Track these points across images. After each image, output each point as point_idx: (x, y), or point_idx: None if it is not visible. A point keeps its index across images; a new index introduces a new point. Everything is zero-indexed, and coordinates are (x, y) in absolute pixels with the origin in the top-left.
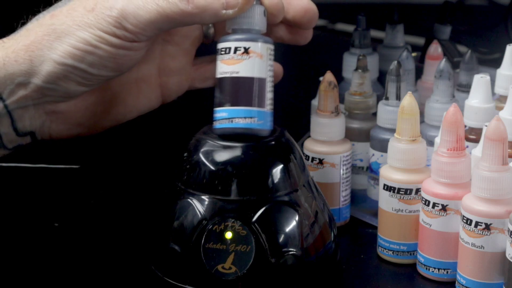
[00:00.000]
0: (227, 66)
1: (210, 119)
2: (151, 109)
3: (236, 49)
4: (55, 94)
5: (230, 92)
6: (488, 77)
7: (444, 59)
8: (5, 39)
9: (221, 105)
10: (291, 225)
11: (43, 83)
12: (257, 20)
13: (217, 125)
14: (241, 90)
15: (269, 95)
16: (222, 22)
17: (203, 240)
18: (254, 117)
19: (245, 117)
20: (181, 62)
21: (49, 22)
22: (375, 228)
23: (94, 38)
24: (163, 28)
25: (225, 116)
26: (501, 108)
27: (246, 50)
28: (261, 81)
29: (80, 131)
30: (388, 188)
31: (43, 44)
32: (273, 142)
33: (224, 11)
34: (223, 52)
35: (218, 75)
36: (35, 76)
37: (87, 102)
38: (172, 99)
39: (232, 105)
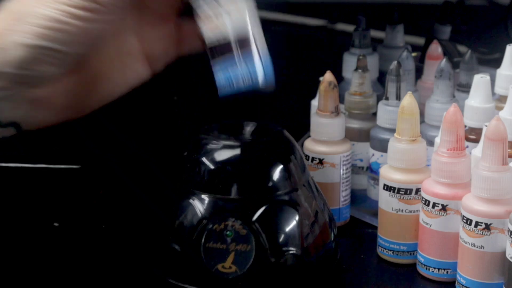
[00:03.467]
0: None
1: (210, 119)
2: (142, 82)
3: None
4: (31, 80)
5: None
6: (488, 77)
7: (444, 59)
8: None
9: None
10: (291, 224)
11: (16, 70)
12: None
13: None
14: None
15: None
16: None
17: (203, 240)
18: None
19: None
20: (162, 29)
21: (16, 7)
22: (375, 228)
23: (62, 14)
24: None
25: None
26: (501, 108)
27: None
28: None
29: (68, 115)
30: (388, 188)
31: (11, 31)
32: (273, 142)
33: None
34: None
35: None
36: (7, 65)
37: (67, 84)
38: (162, 68)
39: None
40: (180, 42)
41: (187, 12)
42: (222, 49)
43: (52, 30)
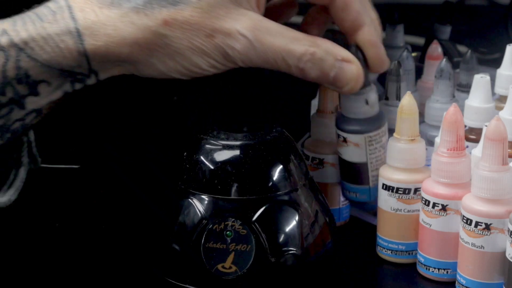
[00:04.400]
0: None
1: (210, 119)
2: None
3: (338, 135)
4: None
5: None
6: (488, 77)
7: (444, 59)
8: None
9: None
10: (291, 224)
11: (135, 73)
12: (361, 109)
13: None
14: (345, 170)
15: (372, 173)
16: None
17: (203, 240)
18: (357, 193)
19: (351, 192)
20: None
21: (163, 32)
22: (375, 228)
23: (207, 65)
24: None
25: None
26: (501, 108)
27: (345, 140)
28: (361, 164)
29: None
30: (387, 187)
31: (154, 55)
32: (273, 142)
33: (332, 74)
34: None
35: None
36: (131, 69)
37: None
38: None
39: (344, 180)
40: None
41: None
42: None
43: (192, 72)
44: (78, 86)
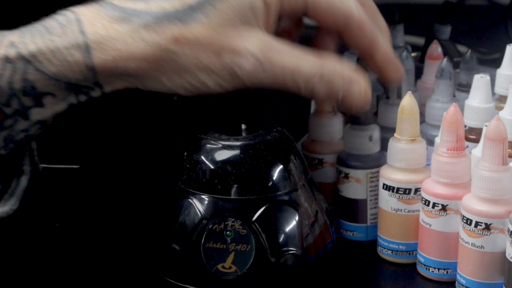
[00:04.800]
0: (338, 185)
1: (210, 119)
2: None
3: (339, 172)
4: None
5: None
6: (488, 77)
7: (445, 59)
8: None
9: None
10: (291, 224)
11: (142, 87)
12: (365, 145)
13: None
14: (343, 208)
15: (371, 211)
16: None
17: (203, 240)
18: (354, 231)
19: (348, 230)
20: None
21: (171, 47)
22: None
23: (213, 84)
24: None
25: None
26: (501, 108)
27: (346, 175)
28: (361, 201)
29: None
30: (387, 187)
31: (161, 71)
32: (273, 142)
33: (340, 95)
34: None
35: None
36: (138, 84)
37: None
38: None
39: (341, 219)
40: None
41: None
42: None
43: (197, 89)
44: (82, 98)
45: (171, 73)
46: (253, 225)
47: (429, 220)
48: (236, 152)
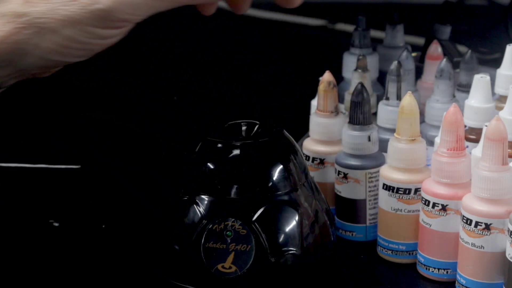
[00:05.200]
0: (336, 186)
1: (210, 119)
2: None
3: (338, 172)
4: (28, 73)
5: (337, 208)
6: (488, 77)
7: (445, 59)
8: None
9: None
10: (291, 224)
11: (23, 67)
12: (363, 146)
13: None
14: (342, 209)
15: (370, 212)
16: None
17: (203, 240)
18: (353, 231)
19: (347, 231)
20: None
21: (23, 11)
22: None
23: (84, 35)
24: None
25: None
26: (501, 108)
27: (345, 176)
28: (360, 201)
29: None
30: (387, 187)
31: (23, 40)
32: (273, 142)
33: None
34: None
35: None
36: (14, 64)
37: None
38: None
39: (340, 219)
40: None
41: None
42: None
43: (71, 49)
44: None
45: (37, 40)
46: (253, 225)
47: (429, 220)
48: (236, 152)
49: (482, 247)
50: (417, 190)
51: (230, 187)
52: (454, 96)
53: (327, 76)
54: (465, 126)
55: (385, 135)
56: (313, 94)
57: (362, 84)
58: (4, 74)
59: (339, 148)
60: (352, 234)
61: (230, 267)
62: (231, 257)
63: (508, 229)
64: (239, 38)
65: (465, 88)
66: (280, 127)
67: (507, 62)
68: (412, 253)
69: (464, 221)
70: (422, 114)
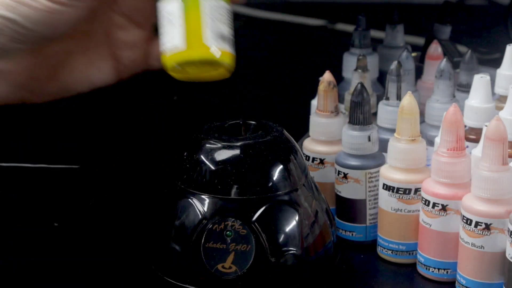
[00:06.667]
0: (336, 186)
1: (210, 119)
2: (107, 84)
3: (338, 172)
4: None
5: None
6: (488, 77)
7: (444, 59)
8: None
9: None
10: (291, 224)
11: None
12: (363, 146)
13: None
14: (342, 209)
15: (370, 211)
16: None
17: (203, 240)
18: (353, 231)
19: (347, 231)
20: (134, 35)
21: None
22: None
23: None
24: None
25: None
26: (501, 108)
27: (345, 176)
28: (360, 201)
29: (24, 95)
30: (387, 187)
31: None
32: (273, 142)
33: None
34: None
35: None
36: None
37: (28, 62)
38: (128, 76)
39: (340, 219)
40: (150, 56)
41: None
42: None
43: (18, 3)
44: None
45: None
46: (253, 225)
47: (429, 220)
48: (236, 152)
49: (482, 247)
50: (417, 190)
51: (230, 187)
52: (454, 96)
53: (327, 76)
54: (465, 126)
55: (385, 135)
56: (313, 94)
57: (362, 84)
58: None
59: (339, 148)
60: (352, 234)
61: (230, 267)
62: (231, 257)
63: (508, 229)
64: (239, 38)
65: (465, 88)
66: (280, 127)
67: (507, 62)
68: (412, 253)
69: (464, 221)
70: (422, 114)
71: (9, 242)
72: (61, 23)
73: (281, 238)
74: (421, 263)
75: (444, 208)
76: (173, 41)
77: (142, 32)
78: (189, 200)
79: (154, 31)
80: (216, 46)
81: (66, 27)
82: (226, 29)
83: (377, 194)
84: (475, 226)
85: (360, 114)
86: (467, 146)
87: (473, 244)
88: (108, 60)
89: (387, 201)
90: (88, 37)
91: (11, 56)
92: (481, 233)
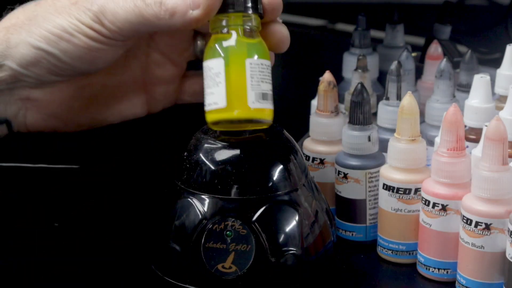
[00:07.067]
0: (336, 186)
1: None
2: (137, 117)
3: (338, 172)
4: (28, 79)
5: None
6: (488, 77)
7: (444, 59)
8: None
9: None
10: (291, 224)
11: (16, 66)
12: (363, 146)
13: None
14: (342, 209)
15: (370, 211)
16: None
17: (203, 240)
18: (353, 231)
19: (347, 231)
20: (169, 72)
21: (33, 8)
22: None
23: (71, 26)
24: (140, 30)
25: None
26: (501, 108)
27: (345, 176)
28: (360, 201)
29: (56, 124)
30: (387, 187)
31: (22, 28)
32: (273, 142)
33: (191, 11)
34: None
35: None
36: (10, 58)
37: (64, 93)
38: (159, 110)
39: (340, 219)
40: (183, 91)
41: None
42: None
43: (58, 37)
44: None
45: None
46: (253, 225)
47: (429, 220)
48: (236, 152)
49: (482, 247)
50: (417, 190)
51: (230, 187)
52: (454, 96)
53: (327, 76)
54: (465, 126)
55: (385, 135)
56: (313, 94)
57: (362, 84)
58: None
59: (339, 148)
60: (352, 234)
61: (230, 267)
62: (231, 257)
63: (508, 229)
64: None
65: (465, 88)
66: (280, 127)
67: (507, 62)
68: (412, 253)
69: (464, 221)
70: (422, 114)
71: (9, 242)
72: (99, 60)
73: (281, 238)
74: (421, 263)
75: (444, 208)
76: (215, 99)
77: (177, 69)
78: (189, 200)
79: (187, 67)
80: (259, 106)
81: (104, 63)
82: (267, 87)
83: (377, 194)
84: (475, 226)
85: (360, 114)
86: (467, 146)
87: (473, 244)
88: (142, 94)
89: (387, 201)
90: (124, 71)
91: (47, 87)
92: (481, 233)
